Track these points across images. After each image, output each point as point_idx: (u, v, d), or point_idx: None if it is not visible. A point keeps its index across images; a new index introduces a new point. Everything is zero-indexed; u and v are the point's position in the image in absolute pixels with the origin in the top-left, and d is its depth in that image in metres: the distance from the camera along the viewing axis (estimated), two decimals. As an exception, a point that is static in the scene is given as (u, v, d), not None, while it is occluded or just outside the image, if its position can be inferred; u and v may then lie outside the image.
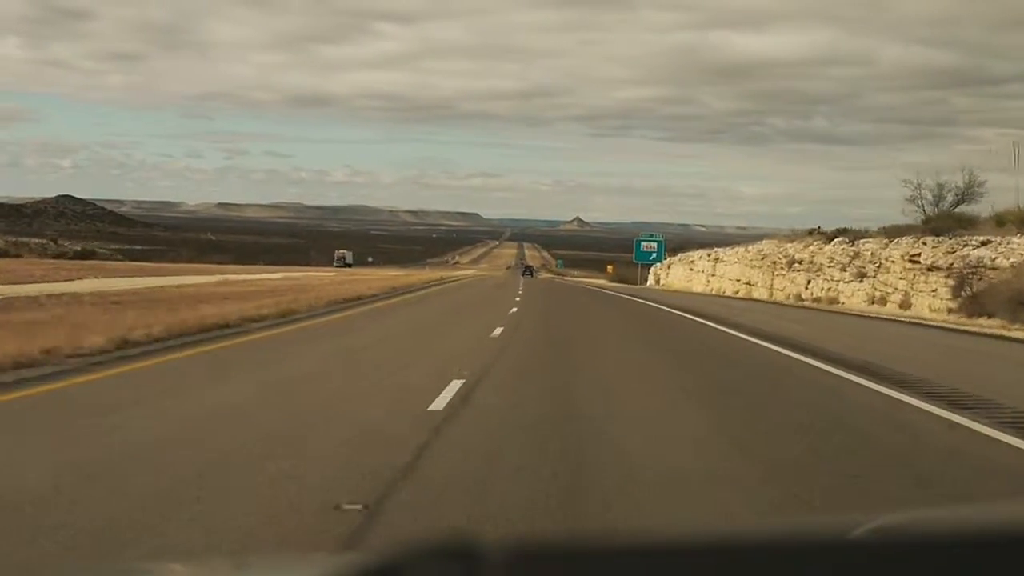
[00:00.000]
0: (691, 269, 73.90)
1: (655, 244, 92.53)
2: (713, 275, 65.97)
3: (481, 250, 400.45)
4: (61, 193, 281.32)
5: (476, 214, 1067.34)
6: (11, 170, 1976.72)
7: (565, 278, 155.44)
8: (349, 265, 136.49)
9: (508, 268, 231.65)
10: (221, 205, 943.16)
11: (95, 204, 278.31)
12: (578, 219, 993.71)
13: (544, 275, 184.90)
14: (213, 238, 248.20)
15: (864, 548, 1.26)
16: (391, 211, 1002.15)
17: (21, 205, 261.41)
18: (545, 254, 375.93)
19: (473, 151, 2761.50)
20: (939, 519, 1.77)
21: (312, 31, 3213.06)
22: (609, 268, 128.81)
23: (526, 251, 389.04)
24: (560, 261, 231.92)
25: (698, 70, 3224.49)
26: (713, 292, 60.97)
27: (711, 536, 1.45)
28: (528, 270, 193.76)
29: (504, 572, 1.13)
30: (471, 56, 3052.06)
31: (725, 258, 64.65)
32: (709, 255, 69.98)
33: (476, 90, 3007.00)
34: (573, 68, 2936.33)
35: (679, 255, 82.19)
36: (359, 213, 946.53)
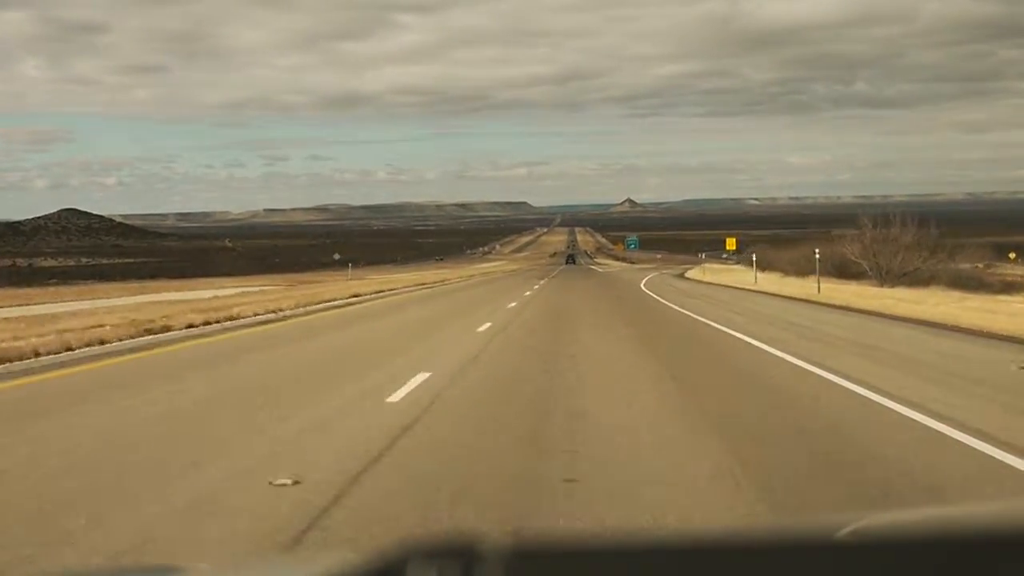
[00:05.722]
0: None
1: None
2: None
3: (527, 238, 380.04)
4: (65, 207, 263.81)
5: (525, 203, 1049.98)
6: (61, 191, 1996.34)
7: (680, 274, 76.69)
8: None
9: (553, 255, 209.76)
10: (268, 211, 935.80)
11: (101, 217, 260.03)
12: (629, 200, 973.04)
13: (610, 264, 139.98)
14: (230, 245, 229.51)
15: (848, 549, 1.26)
16: (437, 205, 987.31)
17: (19, 222, 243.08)
18: (599, 238, 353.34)
19: (515, 140, 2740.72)
20: (924, 519, 1.73)
21: (332, 28, 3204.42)
22: (730, 243, 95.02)
23: (578, 236, 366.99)
24: (633, 240, 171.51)
25: (732, 40, 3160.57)
26: None
27: (705, 536, 1.47)
28: (570, 258, 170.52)
29: (504, 571, 1.12)
30: (498, 43, 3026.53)
31: None
32: None
33: (509, 78, 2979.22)
34: (605, 47, 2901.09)
35: None
36: (406, 210, 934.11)
